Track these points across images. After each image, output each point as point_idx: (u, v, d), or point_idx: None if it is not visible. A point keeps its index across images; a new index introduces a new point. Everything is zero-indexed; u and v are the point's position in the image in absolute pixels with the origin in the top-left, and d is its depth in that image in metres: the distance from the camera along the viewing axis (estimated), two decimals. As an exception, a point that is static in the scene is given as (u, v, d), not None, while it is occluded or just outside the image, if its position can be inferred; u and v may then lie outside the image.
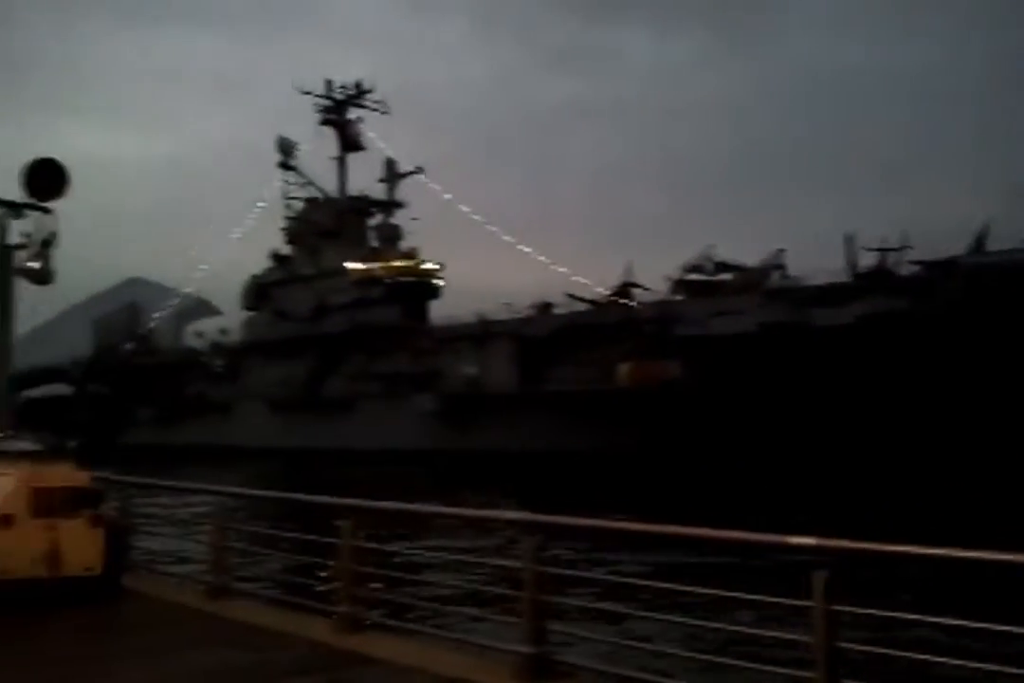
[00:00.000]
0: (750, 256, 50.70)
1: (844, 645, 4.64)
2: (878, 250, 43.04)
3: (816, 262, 48.57)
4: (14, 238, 9.29)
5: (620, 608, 6.14)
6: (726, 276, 49.94)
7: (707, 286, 49.33)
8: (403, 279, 66.89)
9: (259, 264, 79.51)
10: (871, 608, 4.65)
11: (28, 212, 9.25)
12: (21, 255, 9.38)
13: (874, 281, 42.13)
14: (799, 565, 4.92)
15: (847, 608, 4.65)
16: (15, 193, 9.14)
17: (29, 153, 9.13)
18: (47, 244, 9.35)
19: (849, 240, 43.20)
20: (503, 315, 58.06)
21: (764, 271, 48.43)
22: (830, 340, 40.16)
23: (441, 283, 69.12)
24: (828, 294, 42.34)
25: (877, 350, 39.44)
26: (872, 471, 33.27)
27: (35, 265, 9.36)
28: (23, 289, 9.51)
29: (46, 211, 9.31)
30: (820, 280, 44.07)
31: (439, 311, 66.63)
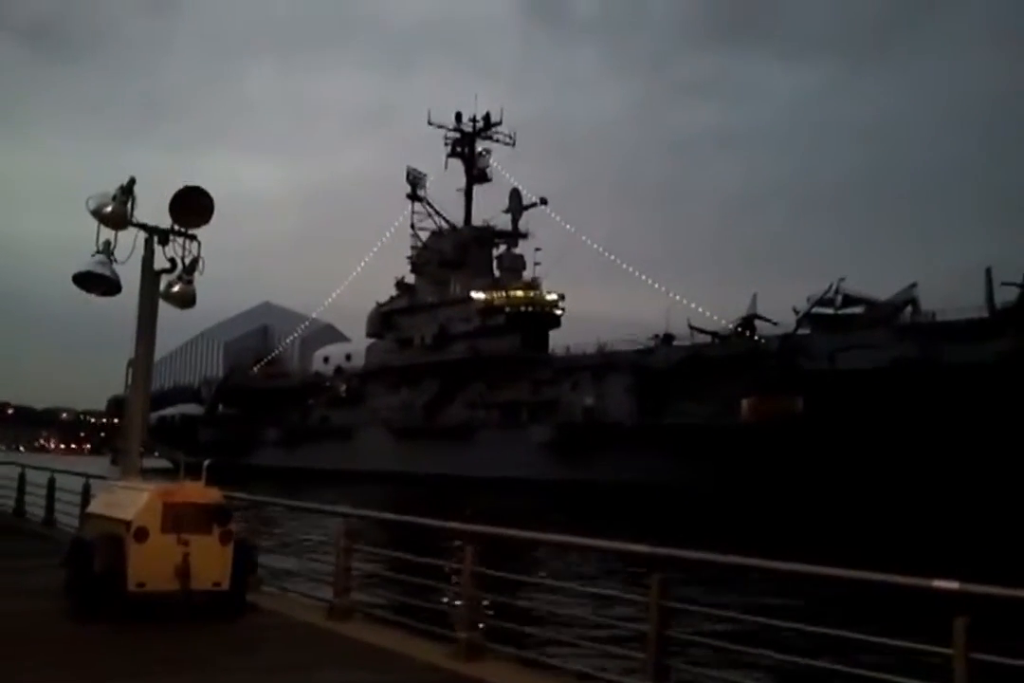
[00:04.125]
0: (881, 290, 49.33)
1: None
2: (1018, 285, 41.20)
3: (951, 297, 46.94)
4: (160, 263, 9.69)
5: (744, 647, 5.98)
6: (855, 310, 48.56)
7: (835, 320, 48.04)
8: (524, 309, 67.31)
9: (385, 292, 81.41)
10: (1016, 658, 4.41)
11: (174, 238, 9.65)
12: (166, 279, 9.78)
13: (1012, 318, 40.36)
14: (934, 608, 4.72)
15: (989, 657, 4.43)
16: (163, 220, 9.55)
17: (179, 183, 9.53)
18: (191, 269, 9.73)
19: (988, 274, 41.54)
20: (624, 346, 57.74)
21: (895, 306, 46.97)
22: (965, 379, 38.54)
23: (562, 313, 69.31)
24: (964, 331, 40.73)
25: (1015, 390, 37.67)
26: (1005, 515, 31.68)
27: (179, 289, 9.75)
28: (163, 313, 9.90)
29: (191, 238, 9.70)
30: (955, 316, 42.48)
31: (560, 340, 66.85)
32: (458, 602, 7.46)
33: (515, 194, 75.44)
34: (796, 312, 50.03)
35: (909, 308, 46.73)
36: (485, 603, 7.49)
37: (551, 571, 18.39)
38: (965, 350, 39.69)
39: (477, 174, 78.72)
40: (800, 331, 49.23)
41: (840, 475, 40.05)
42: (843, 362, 43.44)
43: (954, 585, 4.58)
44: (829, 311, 48.93)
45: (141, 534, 8.25)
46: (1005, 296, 41.61)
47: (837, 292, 48.82)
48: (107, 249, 9.48)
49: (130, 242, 9.53)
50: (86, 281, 9.56)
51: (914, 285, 47.47)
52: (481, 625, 7.37)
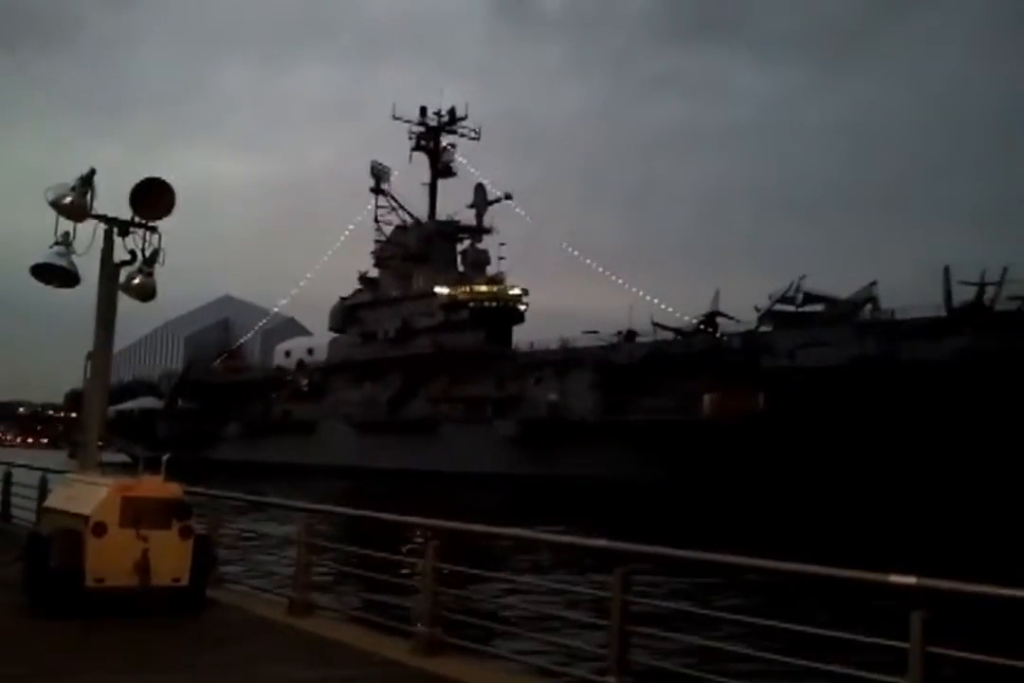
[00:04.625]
0: (841, 288, 49.83)
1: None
2: (976, 284, 41.78)
3: (911, 295, 47.54)
4: (120, 255, 9.56)
5: (706, 641, 6.02)
6: (816, 308, 49.03)
7: (796, 317, 48.48)
8: (488, 304, 67.22)
9: (348, 286, 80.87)
10: (972, 652, 4.47)
11: (134, 230, 9.51)
12: (125, 271, 9.65)
13: (969, 316, 40.92)
14: (894, 602, 4.77)
15: (947, 651, 4.48)
16: (124, 211, 9.42)
17: (141, 174, 9.39)
18: (151, 261, 9.60)
19: (947, 273, 42.08)
20: (587, 342, 57.87)
21: (855, 304, 47.46)
22: (922, 376, 39.04)
23: (525, 308, 69.32)
24: (922, 329, 41.26)
25: (972, 388, 38.21)
26: (960, 511, 32.16)
27: (139, 282, 9.62)
28: (123, 305, 9.76)
29: (152, 230, 9.57)
30: (913, 314, 43.01)
31: (523, 336, 66.81)
32: (419, 597, 7.45)
33: (480, 189, 75.24)
34: (758, 309, 50.42)
35: (869, 306, 47.25)
36: (446, 598, 7.47)
37: (513, 566, 18.41)
38: (923, 347, 40.20)
39: (442, 168, 78.37)
40: (762, 328, 49.60)
41: (801, 471, 40.41)
42: (803, 359, 43.83)
43: (911, 580, 4.63)
44: (790, 309, 49.37)
45: (99, 529, 8.16)
46: (963, 295, 42.22)
47: (798, 290, 49.26)
48: (66, 240, 9.34)
49: (90, 234, 9.40)
50: (44, 273, 9.41)
51: (874, 283, 47.98)
52: (442, 621, 7.36)
